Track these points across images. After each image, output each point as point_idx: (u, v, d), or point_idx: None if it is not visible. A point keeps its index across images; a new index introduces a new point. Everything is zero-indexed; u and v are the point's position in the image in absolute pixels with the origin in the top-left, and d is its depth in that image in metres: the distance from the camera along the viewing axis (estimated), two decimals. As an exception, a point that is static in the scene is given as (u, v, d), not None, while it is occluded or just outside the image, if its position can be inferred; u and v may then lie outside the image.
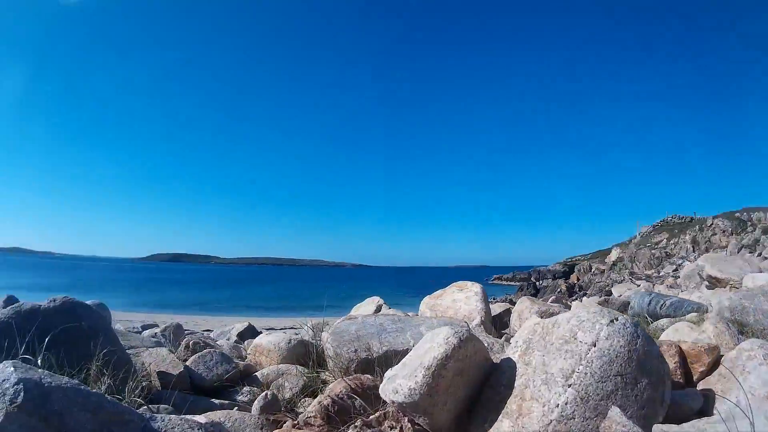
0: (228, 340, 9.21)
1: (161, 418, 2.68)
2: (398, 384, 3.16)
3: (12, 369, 2.40)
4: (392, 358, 4.38)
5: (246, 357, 6.19)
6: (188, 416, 2.86)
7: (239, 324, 10.97)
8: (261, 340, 6.01)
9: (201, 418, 3.02)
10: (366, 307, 8.64)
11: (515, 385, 3.17)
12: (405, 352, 4.04)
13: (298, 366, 5.29)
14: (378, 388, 3.62)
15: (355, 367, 4.67)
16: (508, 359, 3.38)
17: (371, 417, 3.33)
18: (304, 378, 4.94)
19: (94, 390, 2.64)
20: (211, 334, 10.48)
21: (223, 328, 11.34)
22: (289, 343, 5.75)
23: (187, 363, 4.93)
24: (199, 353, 5.17)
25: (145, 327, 11.00)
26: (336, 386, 4.10)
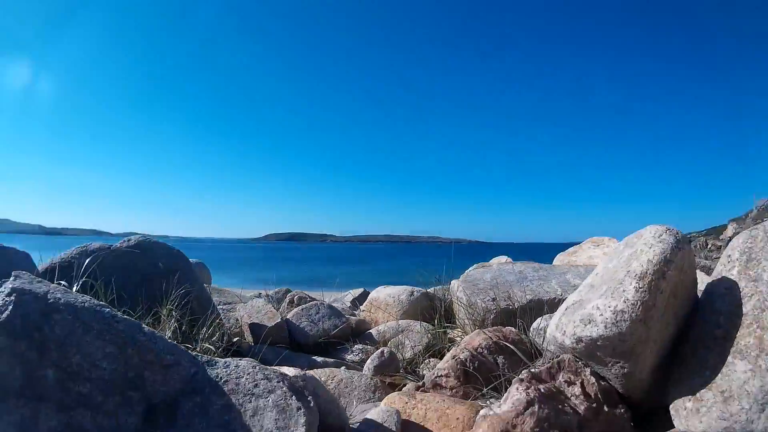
0: (343, 303, 8.44)
1: (224, 363, 1.77)
2: (591, 310, 2.06)
3: (12, 278, 1.59)
4: (536, 308, 3.76)
5: (359, 314, 5.29)
6: (269, 367, 1.92)
7: (354, 290, 10.14)
8: (378, 293, 5.10)
9: (289, 370, 2.07)
10: None
11: (744, 311, 2.19)
12: (553, 303, 3.63)
13: (421, 322, 4.37)
14: (523, 342, 3.06)
15: (493, 318, 3.93)
16: (723, 279, 2.37)
17: (540, 369, 2.22)
18: (429, 335, 4.16)
19: (141, 323, 1.76)
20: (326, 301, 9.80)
21: (336, 296, 10.60)
22: (411, 295, 4.80)
23: (288, 316, 4.09)
24: (303, 306, 4.32)
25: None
26: (473, 339, 3.11)
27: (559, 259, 6.18)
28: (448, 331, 4.29)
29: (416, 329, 4.27)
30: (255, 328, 3.82)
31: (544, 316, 3.26)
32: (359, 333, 4.43)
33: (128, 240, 3.79)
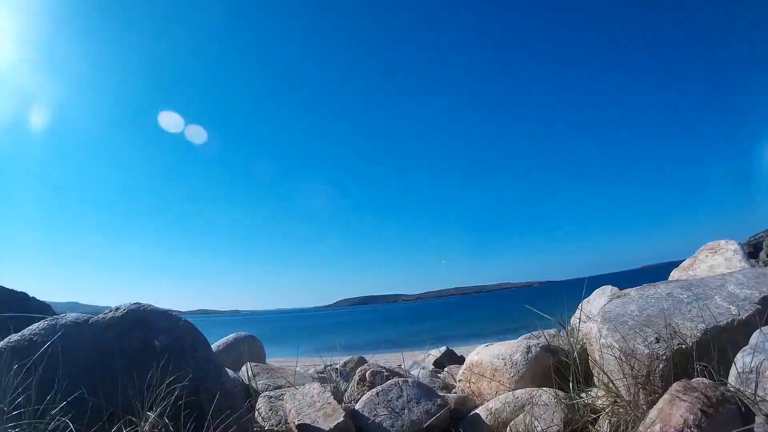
0: (423, 369, 7.01)
1: None
2: None
3: None
4: (712, 340, 2.69)
5: (456, 386, 3.92)
6: None
7: (435, 351, 8.55)
8: (479, 355, 3.72)
9: None
10: (597, 300, 6.09)
11: None
12: (732, 328, 2.71)
13: (545, 389, 2.97)
14: (727, 399, 2.03)
15: (663, 368, 2.68)
16: None
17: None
18: (563, 407, 2.90)
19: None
20: (403, 366, 8.32)
21: (414, 359, 9.02)
22: (528, 352, 3.42)
23: (358, 407, 2.80)
24: (379, 387, 3.03)
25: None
26: (670, 411, 1.77)
27: (675, 276, 5.12)
28: (588, 395, 3.03)
29: (544, 400, 2.92)
30: (307, 429, 2.55)
31: (744, 350, 2.37)
32: (462, 415, 3.09)
33: (115, 310, 2.66)
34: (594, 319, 3.24)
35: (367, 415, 2.79)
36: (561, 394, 2.96)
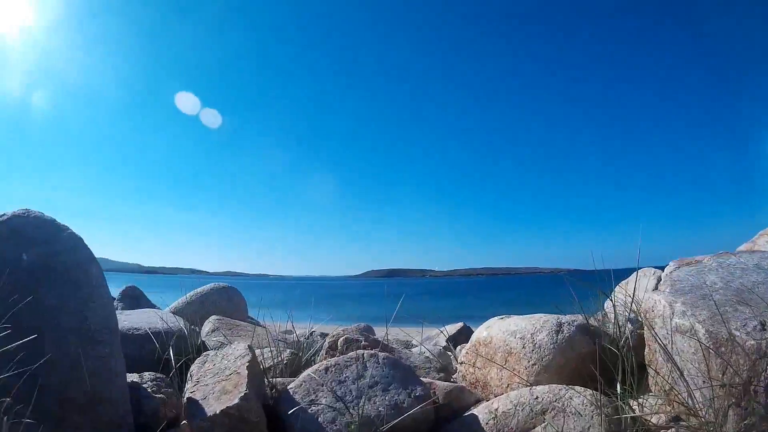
0: (435, 345, 6.05)
1: None
2: None
3: None
4: None
5: (456, 369, 2.96)
6: None
7: (450, 327, 7.49)
8: (489, 330, 2.70)
9: None
10: (642, 281, 5.04)
11: None
12: None
13: (578, 389, 2.12)
14: None
15: None
16: None
17: None
18: (602, 420, 1.95)
19: None
20: (417, 341, 7.36)
21: (429, 333, 8.01)
22: (558, 332, 2.41)
23: (292, 385, 1.88)
24: (332, 360, 2.09)
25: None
26: None
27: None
28: (633, 403, 2.09)
29: (575, 406, 1.95)
30: (194, 408, 1.65)
31: None
32: (453, 414, 2.13)
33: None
34: (661, 291, 2.21)
35: (299, 400, 1.86)
36: (598, 397, 1.99)
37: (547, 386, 2.12)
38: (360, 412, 1.76)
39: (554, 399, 2.03)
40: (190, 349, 2.83)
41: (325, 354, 2.83)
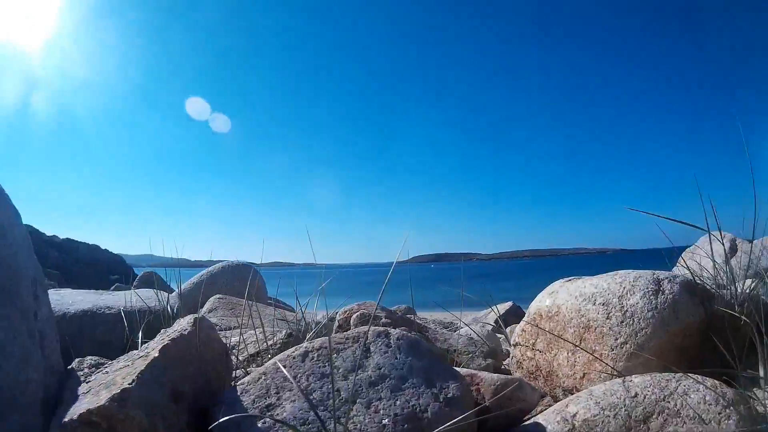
0: (482, 327, 5.34)
1: None
2: None
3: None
4: None
5: (509, 353, 2.21)
6: None
7: (500, 306, 6.68)
8: (554, 298, 1.92)
9: None
10: (709, 247, 4.17)
11: None
12: None
13: (695, 378, 1.38)
14: None
15: None
16: None
17: None
18: (740, 420, 1.23)
19: None
20: (459, 324, 6.66)
21: (476, 315, 7.19)
22: (657, 293, 1.63)
23: (246, 380, 1.18)
24: (315, 342, 1.39)
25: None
26: None
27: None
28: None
29: (692, 406, 1.27)
30: (61, 411, 1.02)
31: None
32: (507, 423, 1.42)
33: None
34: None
35: (247, 404, 1.17)
36: (726, 391, 1.26)
37: (647, 376, 1.39)
38: (347, 429, 1.04)
39: (661, 396, 1.30)
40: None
41: (335, 333, 2.15)
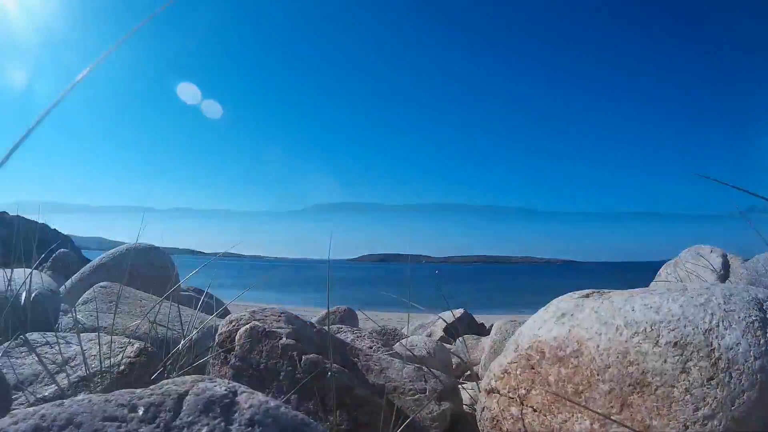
0: (429, 336, 4.83)
1: None
2: None
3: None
4: None
5: (482, 414, 1.47)
6: None
7: (448, 314, 6.11)
8: (569, 325, 1.13)
9: None
10: (697, 260, 3.77)
11: None
12: None
13: None
14: None
15: None
16: None
17: None
18: None
19: None
20: (406, 330, 5.90)
21: (423, 321, 6.50)
22: (765, 318, 0.89)
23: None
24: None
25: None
26: None
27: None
28: None
29: None
30: None
31: None
32: None
33: None
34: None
35: None
36: None
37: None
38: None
39: None
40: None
41: (216, 357, 1.38)
